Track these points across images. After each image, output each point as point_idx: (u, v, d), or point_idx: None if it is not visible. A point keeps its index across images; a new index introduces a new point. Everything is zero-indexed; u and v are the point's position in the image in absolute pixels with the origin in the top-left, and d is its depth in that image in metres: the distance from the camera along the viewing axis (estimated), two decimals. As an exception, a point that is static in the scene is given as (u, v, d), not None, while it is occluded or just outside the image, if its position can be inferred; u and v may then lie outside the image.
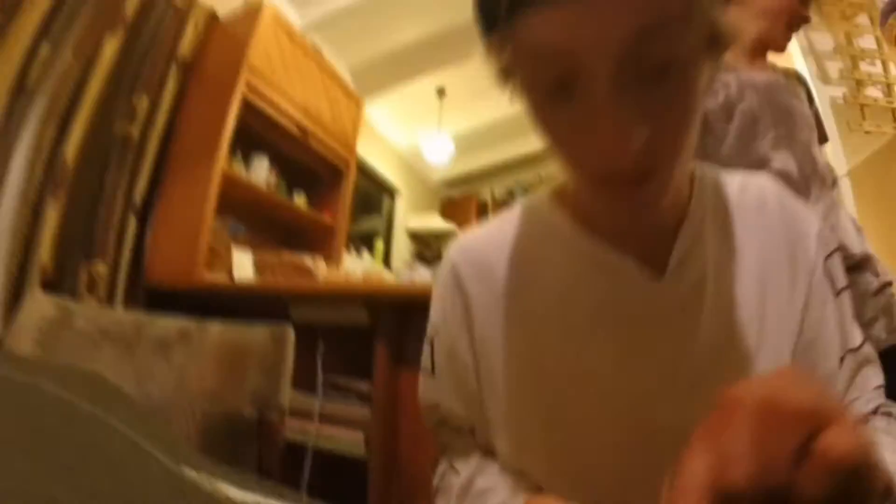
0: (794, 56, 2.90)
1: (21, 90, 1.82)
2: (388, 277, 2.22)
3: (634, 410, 0.62)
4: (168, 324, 1.20)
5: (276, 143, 2.89)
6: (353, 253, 4.47)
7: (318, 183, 3.28)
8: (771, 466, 0.31)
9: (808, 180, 1.35)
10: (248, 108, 2.44)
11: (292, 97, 2.72)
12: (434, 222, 5.84)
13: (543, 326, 0.66)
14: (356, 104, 3.41)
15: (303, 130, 2.84)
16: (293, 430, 1.99)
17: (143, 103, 2.25)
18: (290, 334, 1.19)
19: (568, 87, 0.48)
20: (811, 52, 2.95)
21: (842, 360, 0.63)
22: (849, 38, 2.92)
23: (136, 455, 0.36)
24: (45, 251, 1.93)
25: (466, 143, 5.38)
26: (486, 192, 6.87)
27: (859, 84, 2.85)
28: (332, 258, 3.11)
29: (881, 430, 0.60)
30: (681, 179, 0.61)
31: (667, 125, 0.49)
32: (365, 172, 4.92)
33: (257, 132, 2.72)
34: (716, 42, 0.50)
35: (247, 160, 2.73)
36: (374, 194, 5.46)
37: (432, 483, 0.77)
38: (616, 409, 0.62)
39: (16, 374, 0.45)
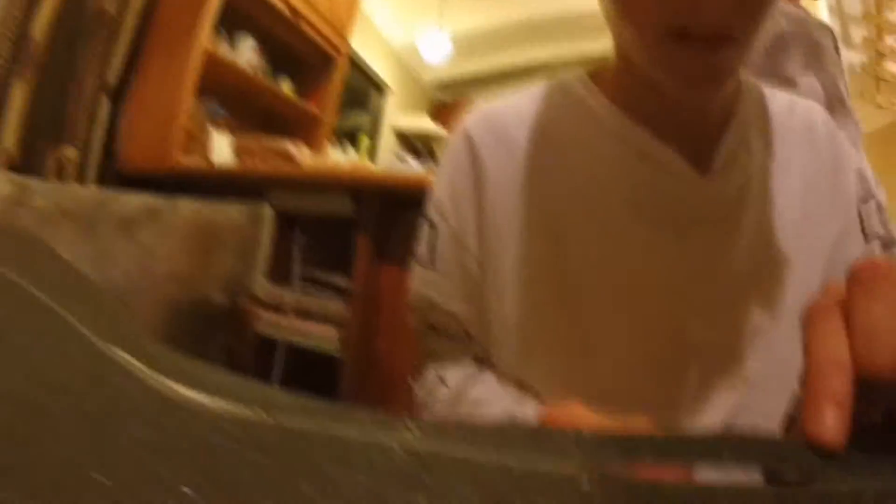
0: (820, 12, 2.80)
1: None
2: (379, 165, 2.15)
3: (665, 320, 0.57)
4: (134, 200, 1.11)
5: (264, 23, 2.72)
6: (338, 147, 4.36)
7: (306, 70, 3.13)
8: None
9: (835, 111, 1.31)
10: None
11: (285, -27, 2.57)
12: (424, 123, 5.67)
13: (570, 213, 0.58)
14: (353, -11, 3.22)
15: (294, 11, 2.68)
16: (266, 323, 1.94)
17: None
18: (268, 213, 1.10)
19: None
20: (839, 12, 2.86)
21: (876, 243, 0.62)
22: (879, 8, 2.83)
23: (56, 330, 0.27)
24: (9, 135, 1.87)
25: (466, 46, 5.15)
26: (482, 100, 6.81)
27: (880, 56, 2.77)
28: (315, 150, 3.00)
29: None
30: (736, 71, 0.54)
31: None
32: (355, 65, 4.70)
33: (244, 10, 2.54)
34: None
35: (231, 39, 2.56)
36: (361, 89, 5.24)
37: (414, 393, 0.70)
38: (645, 316, 0.57)
39: None
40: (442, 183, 0.64)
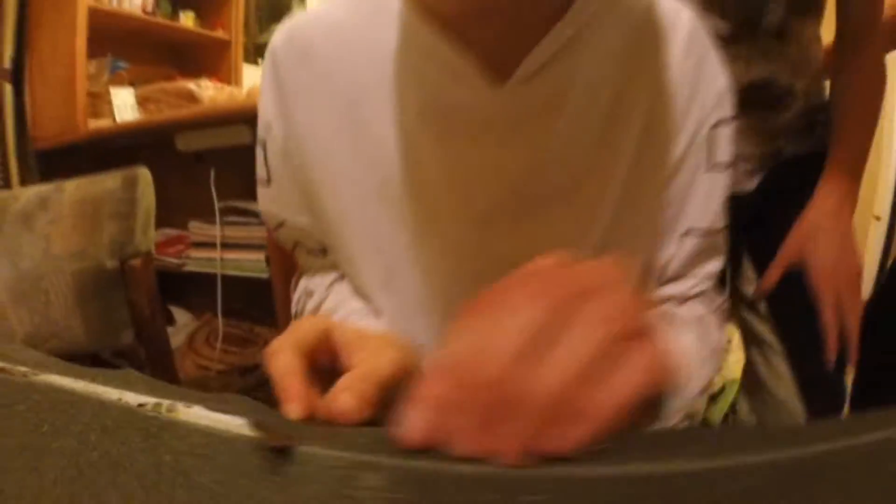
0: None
1: None
2: None
3: (469, 233, 0.57)
4: (28, 193, 1.22)
5: None
6: (260, 64, 4.31)
7: None
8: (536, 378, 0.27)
9: None
10: None
11: None
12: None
13: (373, 120, 0.57)
14: None
15: None
16: (201, 262, 2.08)
17: None
18: (143, 175, 1.20)
19: None
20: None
21: (686, 234, 0.59)
22: None
23: None
24: None
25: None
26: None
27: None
28: (229, 75, 3.04)
29: (689, 316, 0.59)
30: None
31: None
32: None
33: None
34: None
35: None
36: (283, 2, 5.12)
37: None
38: (450, 240, 0.58)
39: None
40: (261, 102, 0.63)
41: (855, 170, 1.00)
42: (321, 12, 0.61)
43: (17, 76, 2.21)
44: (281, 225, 0.66)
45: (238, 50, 3.12)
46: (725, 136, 0.58)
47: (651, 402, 0.31)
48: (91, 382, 0.30)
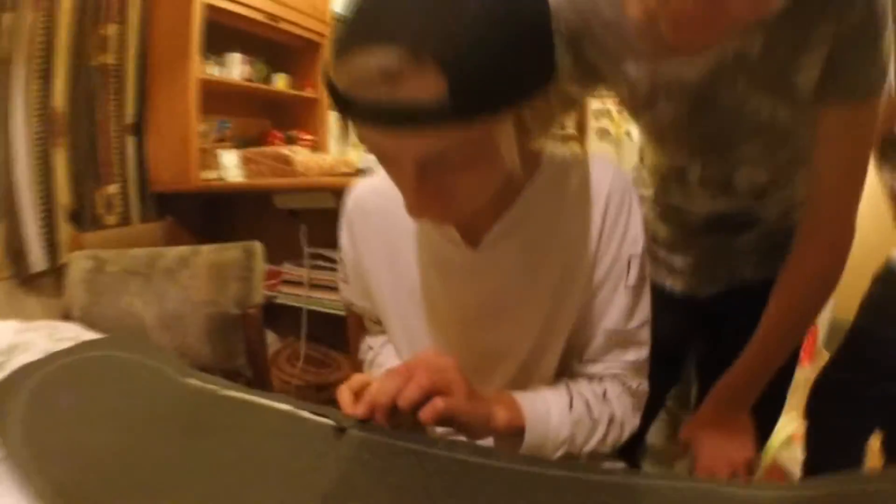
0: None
1: (-1, 62, 2.01)
2: (355, 157, 2.57)
3: (462, 334, 0.86)
4: (172, 253, 1.66)
5: (248, 34, 3.05)
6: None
7: (297, 59, 3.46)
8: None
9: None
10: (211, 10, 2.55)
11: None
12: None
13: (403, 254, 0.86)
14: (322, -26, 3.44)
15: (272, 16, 2.95)
16: (290, 296, 2.53)
17: (111, 31, 2.39)
18: (257, 248, 1.61)
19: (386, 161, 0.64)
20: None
21: (605, 331, 0.80)
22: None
23: (159, 378, 0.79)
24: (62, 191, 2.25)
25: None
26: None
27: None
28: (316, 127, 3.48)
29: (588, 391, 0.80)
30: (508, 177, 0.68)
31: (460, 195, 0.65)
32: None
33: (227, 30, 2.84)
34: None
35: (221, 59, 2.93)
36: None
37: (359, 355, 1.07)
38: (449, 332, 0.87)
39: (112, 352, 0.88)
40: (340, 238, 0.94)
41: (738, 399, 0.98)
42: (376, 182, 0.89)
43: (138, 130, 2.58)
44: (352, 304, 1.01)
45: (324, 106, 3.53)
46: (636, 266, 0.80)
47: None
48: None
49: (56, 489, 0.54)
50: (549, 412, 0.74)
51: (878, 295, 1.49)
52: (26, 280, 2.16)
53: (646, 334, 0.83)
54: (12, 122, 2.06)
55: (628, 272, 0.79)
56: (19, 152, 2.10)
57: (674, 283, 1.15)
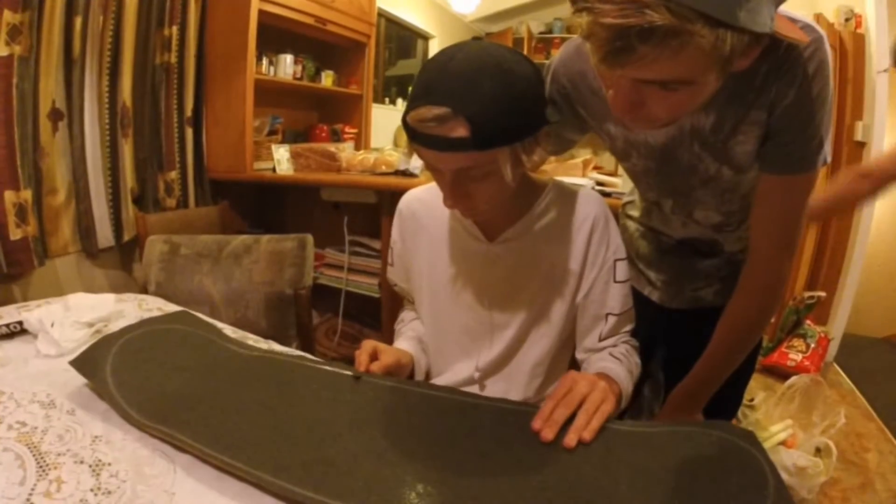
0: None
1: (72, 62, 2.16)
2: (393, 157, 2.80)
3: (475, 309, 1.09)
4: (237, 240, 1.96)
5: (299, 37, 3.32)
6: (387, 102, 5.08)
7: (343, 58, 3.79)
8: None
9: None
10: (265, 16, 2.76)
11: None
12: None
13: (439, 248, 1.12)
14: (369, -21, 3.68)
15: (320, 20, 3.18)
16: (331, 278, 2.82)
17: (173, 32, 2.56)
18: (309, 239, 1.91)
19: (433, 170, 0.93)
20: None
21: (608, 315, 1.05)
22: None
23: (207, 343, 1.08)
24: (128, 177, 2.48)
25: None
26: (523, 28, 7.01)
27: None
28: (360, 120, 3.77)
29: (617, 353, 1.03)
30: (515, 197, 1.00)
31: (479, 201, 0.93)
32: (396, 23, 5.23)
33: (280, 33, 3.13)
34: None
35: (274, 59, 3.16)
36: (408, 38, 5.77)
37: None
38: (468, 304, 1.10)
39: (174, 326, 1.18)
40: (394, 229, 1.19)
41: (692, 401, 1.10)
42: (421, 193, 1.17)
43: (196, 122, 2.78)
44: (395, 285, 1.26)
45: (368, 102, 3.83)
46: (621, 266, 1.06)
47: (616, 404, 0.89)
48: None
49: (134, 408, 0.82)
50: (619, 375, 0.97)
51: None
52: (93, 254, 2.38)
53: (633, 312, 1.10)
54: (85, 115, 2.27)
55: (615, 271, 1.05)
56: (91, 142, 2.32)
57: (650, 293, 1.30)
